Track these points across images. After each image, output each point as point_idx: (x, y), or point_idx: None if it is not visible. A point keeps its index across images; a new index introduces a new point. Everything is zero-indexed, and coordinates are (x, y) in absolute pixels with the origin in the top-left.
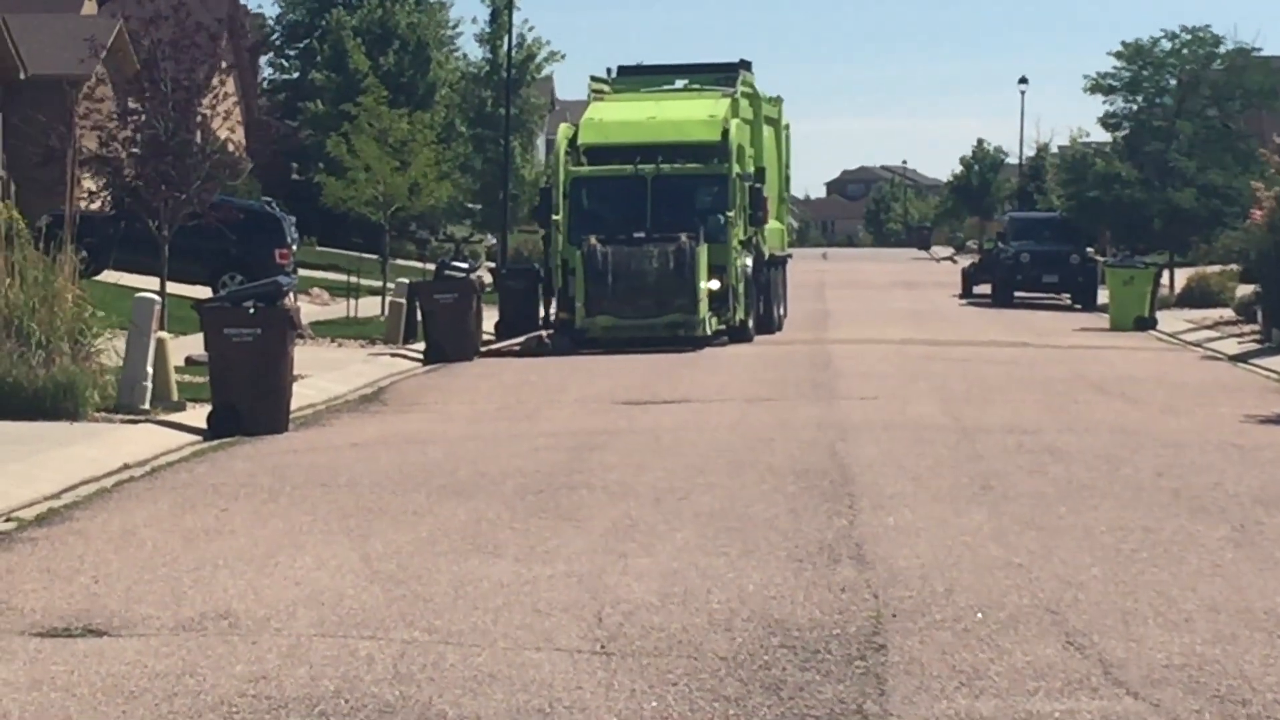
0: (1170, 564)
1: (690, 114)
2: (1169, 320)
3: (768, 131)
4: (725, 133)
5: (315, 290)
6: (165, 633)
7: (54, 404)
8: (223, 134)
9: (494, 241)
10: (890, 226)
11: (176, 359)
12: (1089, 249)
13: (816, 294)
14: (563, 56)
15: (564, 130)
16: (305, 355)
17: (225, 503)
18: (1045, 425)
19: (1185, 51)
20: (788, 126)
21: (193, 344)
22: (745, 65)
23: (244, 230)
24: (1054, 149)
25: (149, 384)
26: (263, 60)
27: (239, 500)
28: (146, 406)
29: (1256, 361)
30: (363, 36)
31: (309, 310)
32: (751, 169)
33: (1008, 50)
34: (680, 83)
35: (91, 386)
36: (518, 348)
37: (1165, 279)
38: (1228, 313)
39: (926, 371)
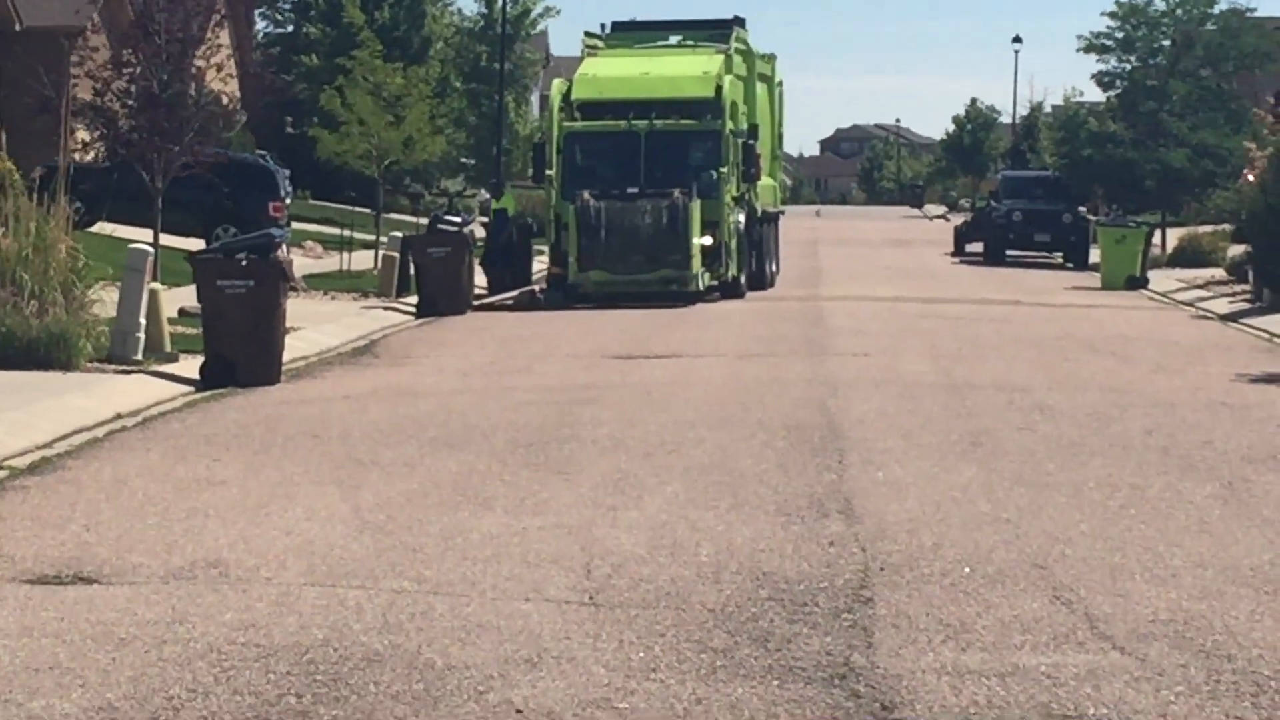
0: (1158, 520)
1: (684, 70)
2: (1160, 280)
3: (761, 88)
4: (719, 89)
5: (308, 243)
6: (155, 581)
7: (47, 354)
8: (217, 86)
9: (487, 196)
10: (883, 185)
11: (170, 310)
12: (1081, 208)
13: (809, 251)
14: (558, 12)
15: (558, 85)
16: (298, 308)
17: (217, 453)
18: (1036, 383)
19: (1179, 11)
20: (781, 84)
21: (186, 295)
22: (739, 22)
23: (237, 183)
24: (1047, 108)
25: (142, 335)
26: (257, 13)
27: (230, 451)
28: (139, 357)
29: (1247, 321)
30: None
31: (302, 263)
32: (745, 125)
33: (1002, 9)
34: (674, 39)
35: (85, 337)
36: (510, 302)
37: (1157, 238)
38: (1219, 272)
39: (918, 329)
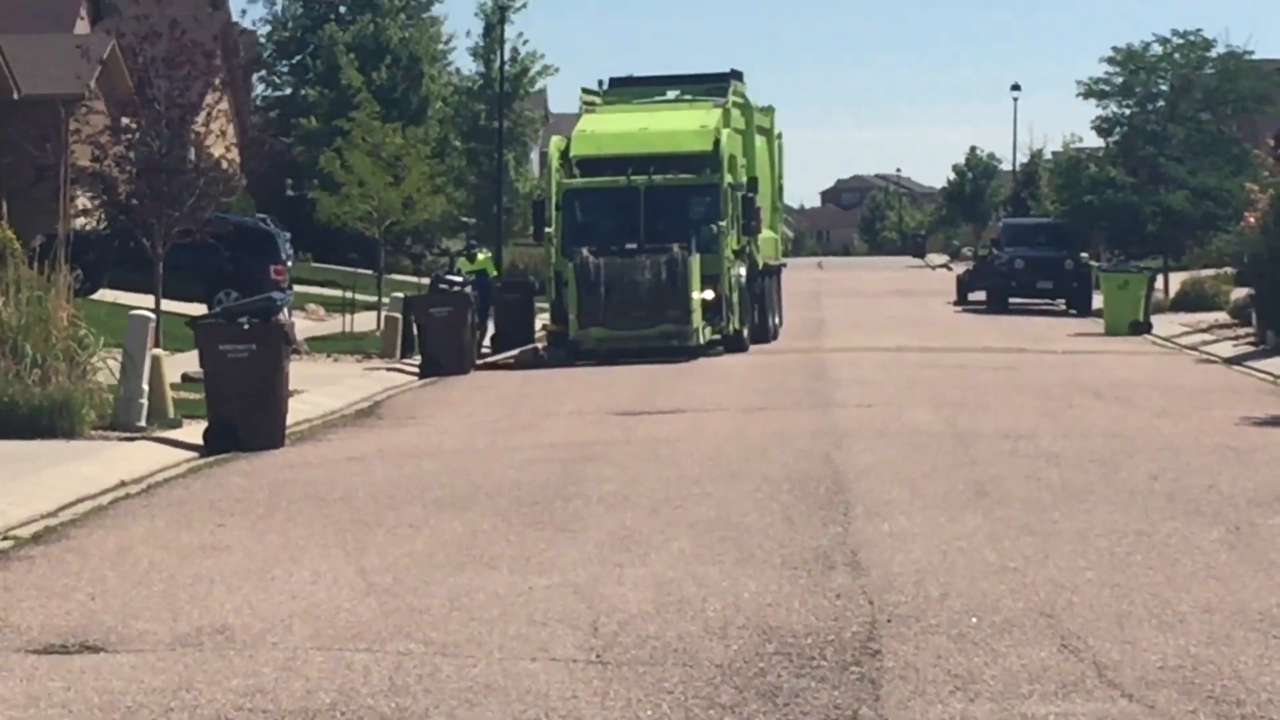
0: (1165, 566)
1: (682, 124)
2: (1164, 324)
3: (760, 141)
4: (717, 143)
5: (311, 305)
6: (162, 648)
7: (50, 422)
8: (216, 151)
9: (487, 251)
10: (885, 235)
11: (172, 376)
12: (1083, 254)
13: (812, 302)
14: (556, 69)
15: (556, 142)
16: (301, 370)
17: (221, 518)
18: (1040, 430)
19: (1177, 56)
20: (780, 136)
21: (188, 361)
22: (736, 75)
23: (239, 247)
24: (1047, 155)
25: (145, 401)
26: (255, 77)
27: (235, 516)
28: (143, 424)
29: (1251, 364)
30: (355, 52)
31: (305, 326)
32: (744, 178)
33: (1000, 57)
34: (671, 93)
35: (88, 404)
36: (513, 360)
37: (1159, 283)
38: (1222, 316)
39: (922, 378)
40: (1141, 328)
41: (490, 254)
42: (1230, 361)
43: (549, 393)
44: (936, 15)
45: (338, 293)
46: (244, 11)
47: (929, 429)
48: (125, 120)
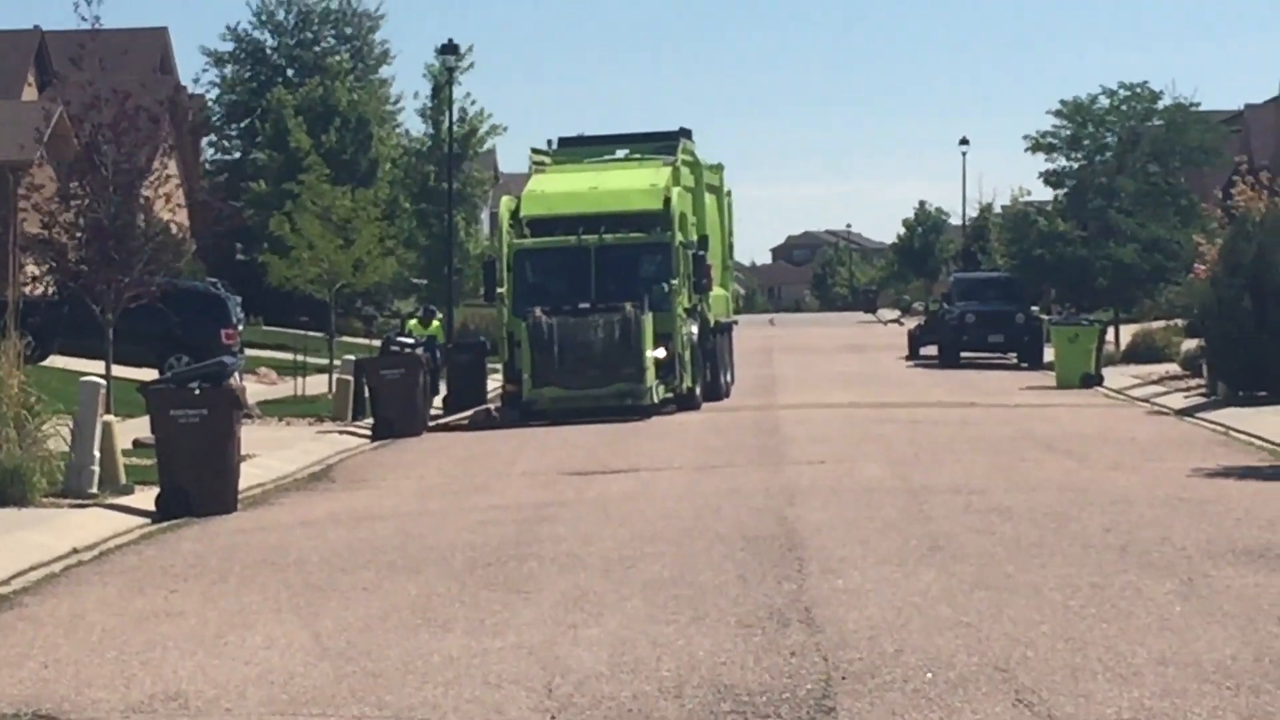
0: (1118, 619)
1: (631, 183)
2: (1115, 376)
3: (710, 199)
4: (667, 201)
5: (262, 369)
6: (116, 715)
7: (1, 490)
8: (165, 216)
9: (440, 316)
10: (836, 290)
11: (124, 442)
12: (1034, 307)
13: (764, 359)
14: (505, 129)
15: (506, 203)
16: (253, 435)
17: (174, 584)
18: (993, 485)
19: (1124, 108)
20: (730, 193)
21: (140, 427)
22: (686, 133)
23: (189, 311)
24: (996, 209)
25: (96, 468)
26: (204, 141)
27: (188, 581)
28: (94, 490)
29: (1203, 415)
30: (304, 114)
31: (256, 389)
32: (694, 236)
33: (948, 112)
34: (621, 152)
35: (39, 472)
36: (466, 421)
37: (1110, 335)
38: (1173, 367)
39: (874, 434)
40: (1093, 380)
41: (441, 320)
42: (1182, 413)
43: (502, 453)
44: (884, 70)
45: (289, 356)
46: (196, 80)
47: (882, 485)
48: (74, 186)
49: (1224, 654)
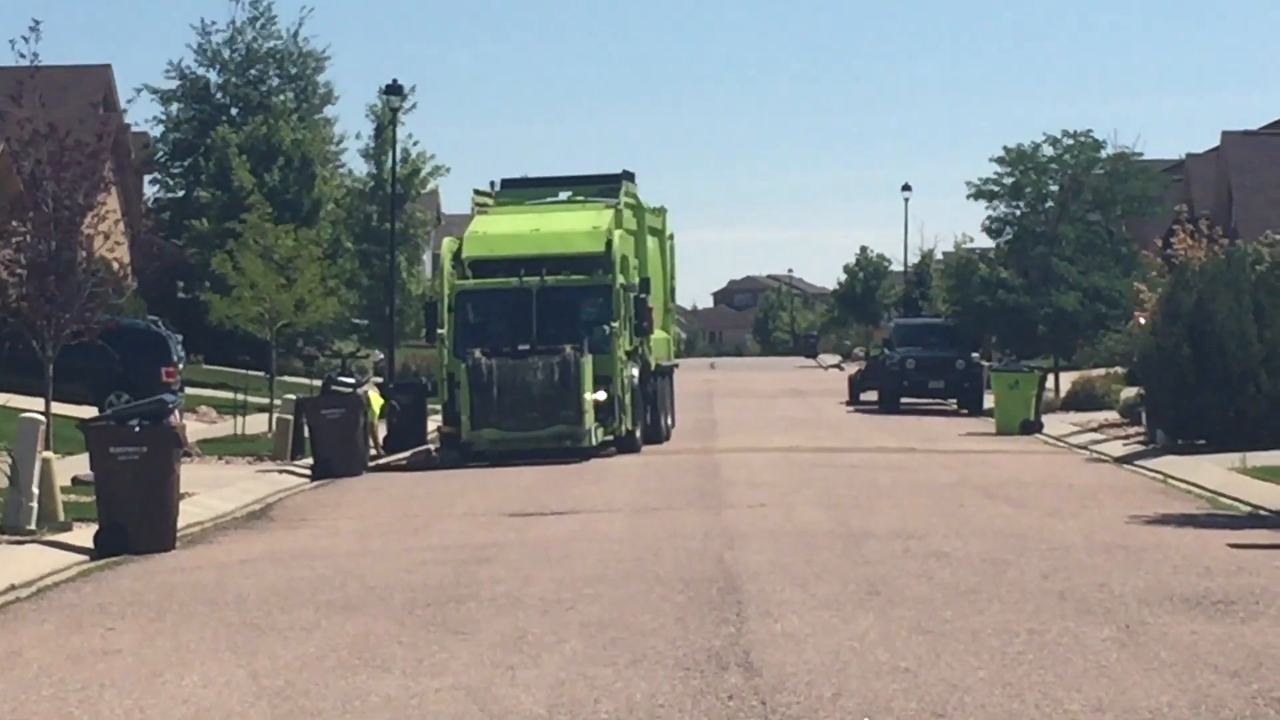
0: (1055, 665)
1: (574, 225)
2: (1054, 423)
3: (652, 242)
4: (609, 244)
5: (202, 408)
6: None
7: None
8: (106, 253)
9: (381, 356)
10: (778, 335)
11: (63, 479)
12: (974, 354)
13: (704, 403)
14: (447, 170)
15: (448, 244)
16: (192, 473)
17: (112, 622)
18: (932, 530)
19: (1067, 156)
20: (672, 236)
21: (79, 464)
22: (628, 176)
23: (130, 349)
24: (938, 255)
25: (35, 505)
26: (147, 178)
27: (126, 619)
28: (33, 527)
29: (1141, 463)
30: (248, 153)
31: (196, 428)
32: (636, 279)
33: (890, 158)
34: (563, 194)
35: None
36: (405, 461)
37: (1050, 382)
38: (1113, 415)
39: (813, 478)
40: (1033, 427)
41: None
42: (1120, 460)
43: (441, 494)
44: (826, 116)
45: (229, 395)
46: (124, 110)
47: (821, 529)
48: (14, 223)
49: (1160, 701)
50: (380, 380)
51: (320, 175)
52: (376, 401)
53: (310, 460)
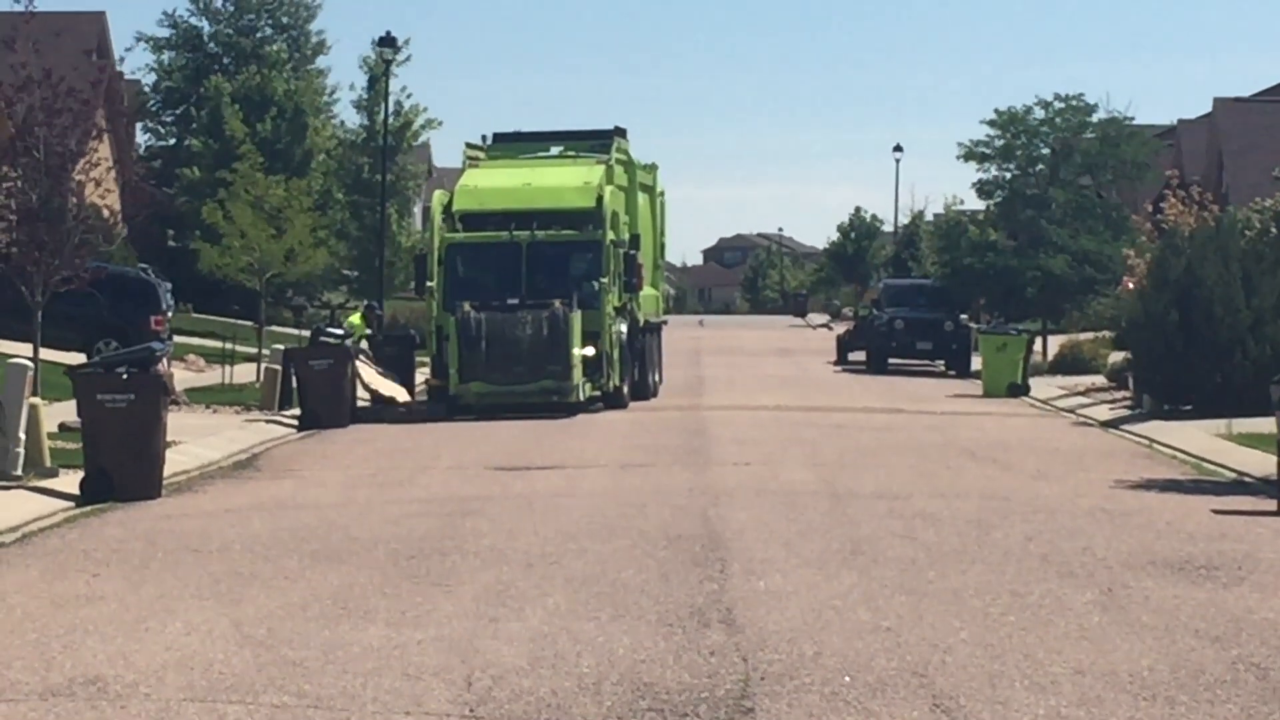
0: (1038, 627)
1: (565, 181)
2: (1041, 386)
3: (643, 198)
4: (600, 199)
5: (190, 356)
6: (34, 698)
7: None
8: (97, 200)
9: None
10: (767, 294)
11: (50, 425)
12: (963, 316)
13: (692, 360)
14: (440, 123)
15: (439, 197)
16: (180, 421)
17: (96, 568)
18: (917, 491)
19: (1059, 120)
20: (663, 193)
21: (66, 410)
22: (620, 132)
23: (119, 296)
24: (929, 216)
25: (21, 450)
26: (138, 126)
27: (110, 566)
28: (19, 472)
29: (1127, 427)
30: (240, 103)
31: (184, 376)
32: (626, 236)
33: (883, 118)
34: (555, 149)
35: None
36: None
37: (1038, 345)
38: (1100, 379)
39: (800, 437)
40: (1019, 390)
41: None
42: (1106, 425)
43: (427, 447)
44: (820, 75)
45: (218, 344)
46: (122, 59)
47: (806, 488)
48: (4, 168)
49: (1141, 665)
50: (366, 304)
51: (312, 126)
52: (359, 324)
53: (297, 411)
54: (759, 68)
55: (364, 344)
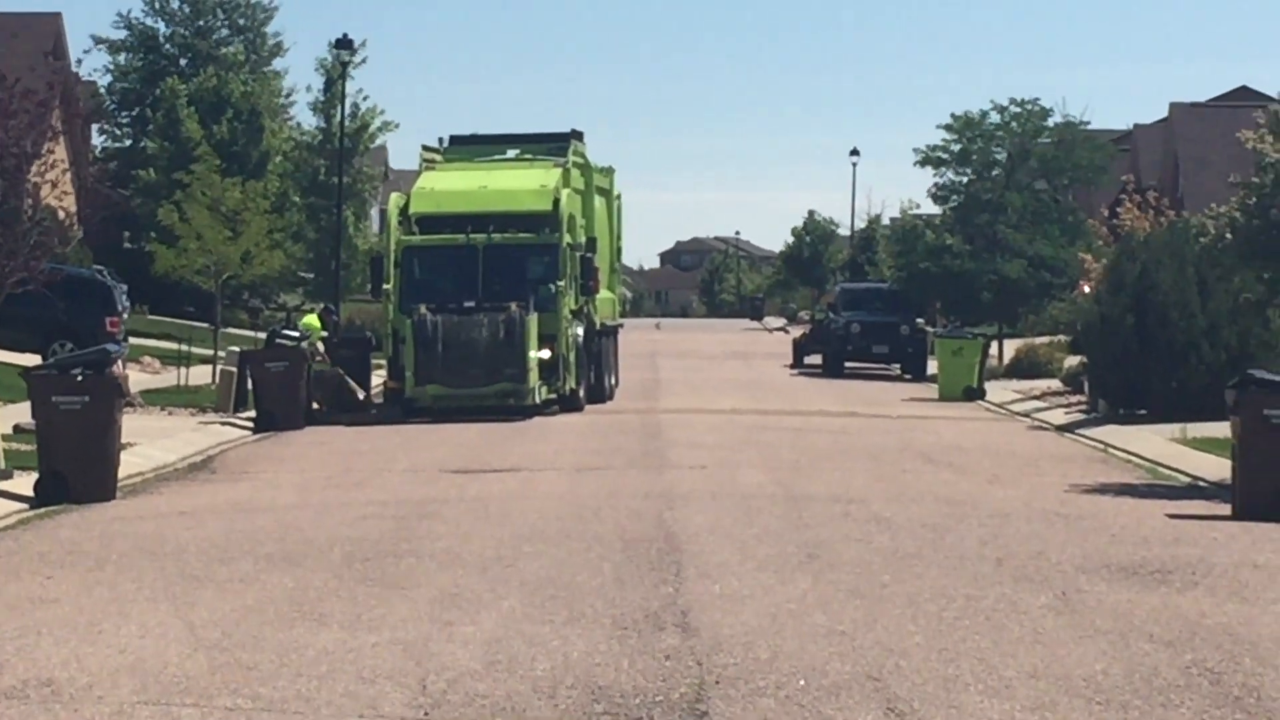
0: (992, 631)
1: (522, 183)
2: (997, 390)
3: (599, 201)
4: (556, 202)
5: (146, 358)
6: None
7: None
8: (53, 202)
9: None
10: (724, 297)
11: (4, 427)
12: (919, 320)
13: (649, 363)
14: (396, 126)
15: (395, 199)
16: (135, 423)
17: (50, 570)
18: (872, 494)
19: (1014, 124)
20: (619, 196)
21: (21, 412)
22: (577, 135)
23: (74, 298)
24: (885, 221)
25: None
26: (94, 128)
27: (64, 568)
28: None
29: (1082, 431)
30: (196, 105)
31: (140, 378)
32: (583, 239)
33: (840, 123)
34: (512, 152)
35: None
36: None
37: (994, 349)
38: (1055, 383)
39: (756, 441)
40: (975, 394)
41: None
42: (1062, 429)
43: (383, 449)
44: (776, 79)
45: (174, 346)
46: (79, 61)
47: (762, 491)
48: None
49: (1095, 669)
50: (323, 306)
51: (269, 128)
52: (311, 321)
53: (253, 413)
54: (716, 72)
55: (320, 345)
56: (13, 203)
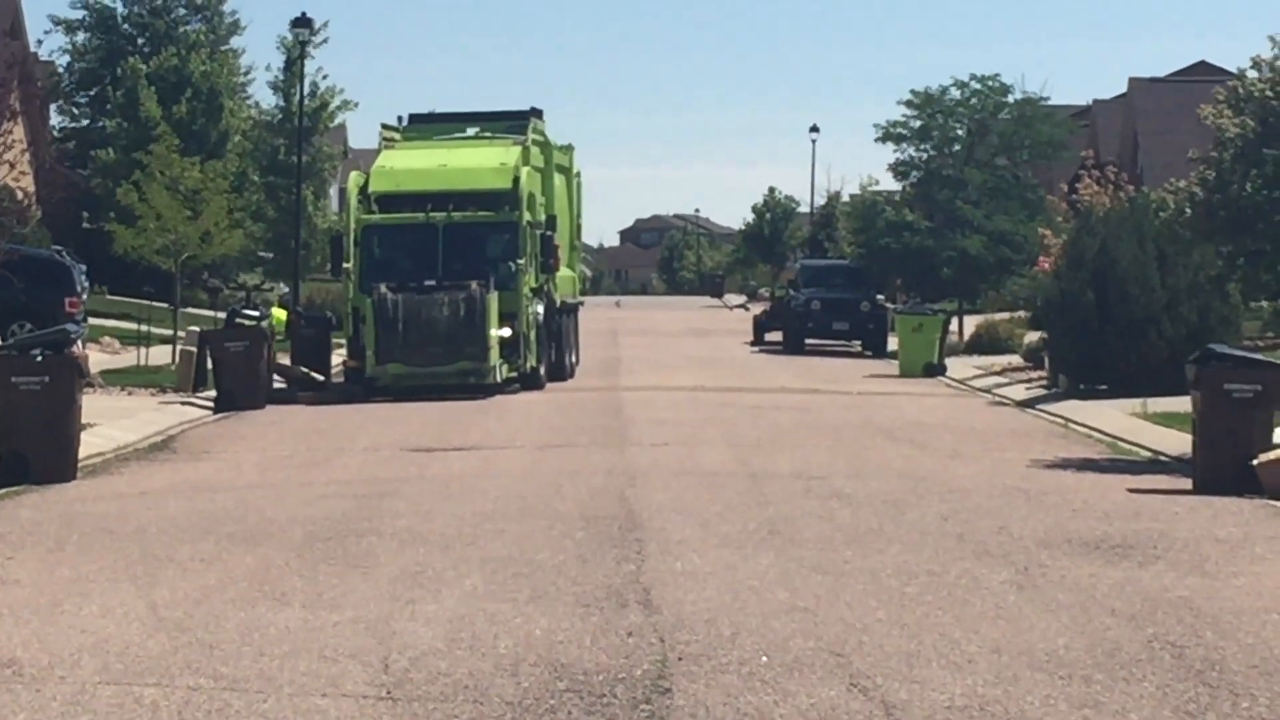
0: (954, 607)
1: (481, 162)
2: (958, 366)
3: (559, 179)
4: (516, 180)
5: (106, 338)
6: None
7: None
8: (11, 182)
9: (286, 290)
10: (684, 275)
11: None
12: (879, 296)
13: (609, 341)
14: (356, 105)
15: (355, 178)
16: (95, 403)
17: (11, 551)
18: (833, 470)
19: (974, 101)
20: (579, 174)
21: None
22: (536, 113)
23: (33, 278)
24: (845, 197)
25: None
26: (53, 107)
27: (25, 549)
28: None
29: (1043, 407)
30: (156, 84)
31: (99, 358)
32: (543, 217)
33: (799, 99)
34: (471, 130)
35: None
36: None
37: (954, 325)
38: (1016, 359)
39: (717, 418)
40: (936, 370)
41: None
42: (1022, 404)
43: (344, 428)
44: (734, 55)
45: (133, 326)
46: (40, 41)
47: (723, 468)
48: None
49: (1057, 643)
50: (285, 291)
51: (228, 107)
52: (280, 315)
53: (213, 392)
54: (675, 48)
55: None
56: None
